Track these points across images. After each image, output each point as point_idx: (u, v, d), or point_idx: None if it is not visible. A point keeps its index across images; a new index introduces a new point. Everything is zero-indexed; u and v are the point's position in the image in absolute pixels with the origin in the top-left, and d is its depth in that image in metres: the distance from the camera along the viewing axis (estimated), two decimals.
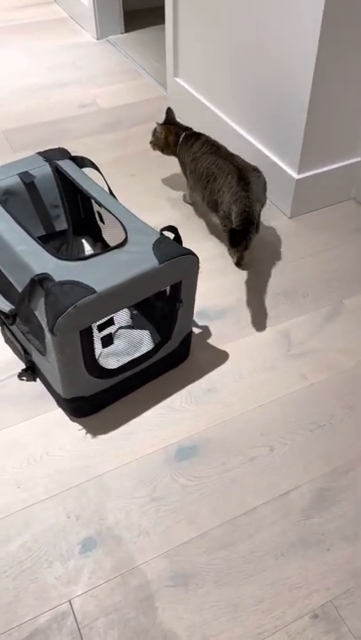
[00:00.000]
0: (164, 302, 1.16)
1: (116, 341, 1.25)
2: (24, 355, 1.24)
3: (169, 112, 1.70)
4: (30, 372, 1.25)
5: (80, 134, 2.07)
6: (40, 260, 1.04)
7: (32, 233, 1.10)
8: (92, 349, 1.06)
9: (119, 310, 1.06)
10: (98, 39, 2.73)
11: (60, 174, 1.30)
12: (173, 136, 1.67)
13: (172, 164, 1.81)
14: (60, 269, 1.03)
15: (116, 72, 2.47)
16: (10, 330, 1.27)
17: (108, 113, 2.19)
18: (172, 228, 1.14)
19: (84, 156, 1.36)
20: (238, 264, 1.53)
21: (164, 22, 2.88)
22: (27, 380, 1.26)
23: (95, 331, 1.06)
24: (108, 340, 1.12)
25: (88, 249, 1.45)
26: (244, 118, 1.78)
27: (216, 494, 1.06)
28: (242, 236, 1.41)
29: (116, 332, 1.28)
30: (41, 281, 1.00)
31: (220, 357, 1.31)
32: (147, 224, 1.14)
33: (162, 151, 1.71)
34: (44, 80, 2.41)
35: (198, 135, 1.64)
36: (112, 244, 1.41)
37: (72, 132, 2.09)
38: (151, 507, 1.04)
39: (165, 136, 1.67)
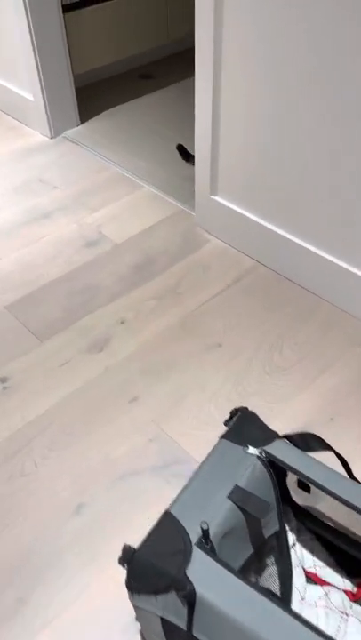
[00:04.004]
0: None
1: None
2: None
3: None
4: None
5: (112, 294, 1.54)
6: None
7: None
8: None
9: None
10: (52, 137, 2.18)
11: (272, 465, 0.82)
12: None
13: (253, 321, 1.39)
14: None
15: (100, 183, 1.95)
16: None
17: (128, 250, 1.67)
18: None
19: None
20: None
21: (119, 103, 2.42)
22: None
23: None
24: None
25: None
26: (327, 238, 1.39)
27: None
28: None
29: None
30: None
31: None
32: None
33: None
34: (18, 211, 1.82)
35: None
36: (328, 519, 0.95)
37: (99, 291, 1.54)
38: None
39: None
